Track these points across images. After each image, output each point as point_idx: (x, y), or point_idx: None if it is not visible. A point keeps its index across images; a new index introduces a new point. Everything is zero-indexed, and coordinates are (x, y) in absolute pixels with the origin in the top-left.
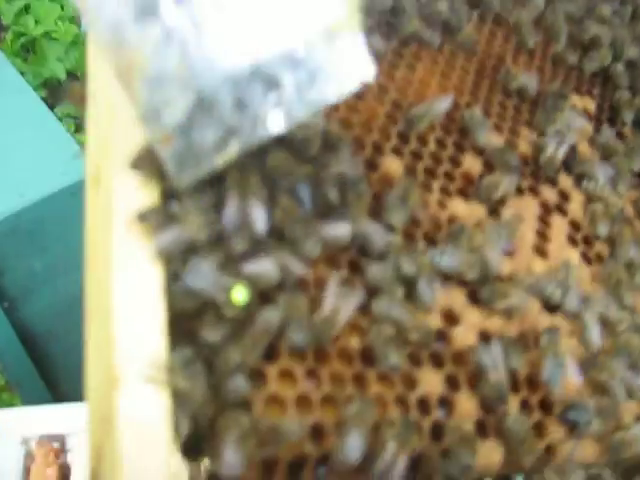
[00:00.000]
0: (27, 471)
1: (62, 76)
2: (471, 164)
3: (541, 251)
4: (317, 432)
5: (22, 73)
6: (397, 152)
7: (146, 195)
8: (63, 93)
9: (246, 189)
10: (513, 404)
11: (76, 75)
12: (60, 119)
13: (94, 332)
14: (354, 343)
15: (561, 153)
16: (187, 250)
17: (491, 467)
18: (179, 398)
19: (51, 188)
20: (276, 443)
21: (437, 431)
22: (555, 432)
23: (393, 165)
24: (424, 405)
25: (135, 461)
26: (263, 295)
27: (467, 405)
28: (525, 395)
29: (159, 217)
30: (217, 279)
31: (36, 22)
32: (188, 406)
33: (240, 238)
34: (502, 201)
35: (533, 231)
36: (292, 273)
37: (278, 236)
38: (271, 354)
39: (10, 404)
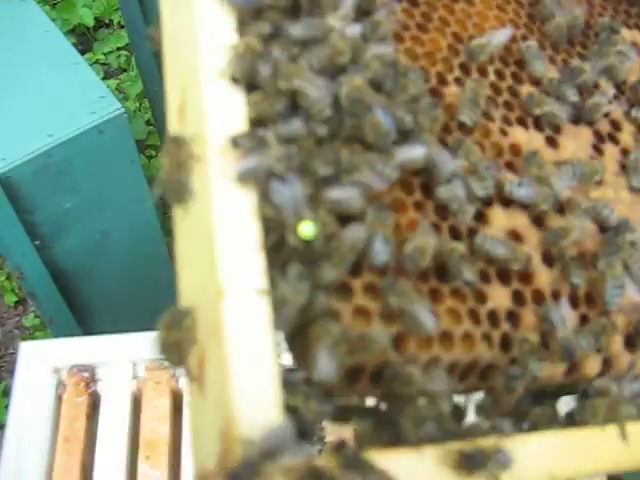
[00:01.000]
0: (59, 399)
1: (90, 23)
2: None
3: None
4: (399, 342)
5: (51, 20)
6: (459, 82)
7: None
8: (91, 39)
9: None
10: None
11: (104, 21)
12: (89, 66)
13: (192, 254)
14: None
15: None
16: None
17: (555, 377)
18: (281, 308)
19: (79, 127)
20: (365, 350)
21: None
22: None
23: (456, 95)
24: (493, 318)
25: (242, 368)
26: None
27: (532, 319)
28: (584, 310)
29: (249, 142)
30: (297, 203)
31: None
32: (288, 314)
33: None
34: (558, 129)
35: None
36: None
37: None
38: (356, 270)
39: None
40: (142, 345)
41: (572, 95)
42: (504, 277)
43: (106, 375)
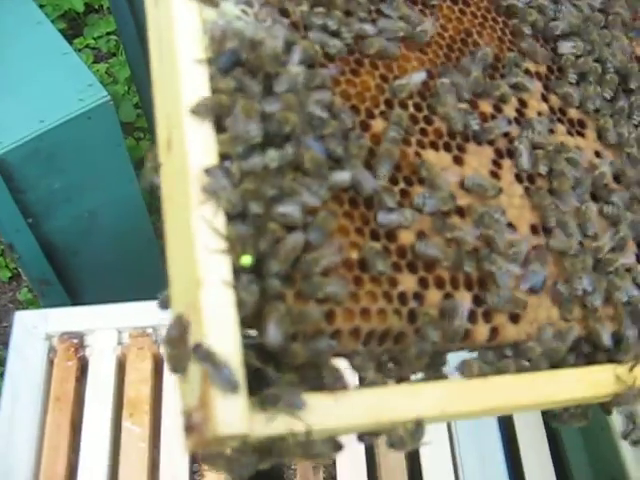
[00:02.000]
0: (51, 363)
1: (80, 8)
2: (439, 124)
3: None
4: (329, 316)
5: (42, 6)
6: (384, 115)
7: None
8: (82, 24)
9: None
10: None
11: (94, 7)
12: (79, 50)
13: (176, 248)
14: (354, 255)
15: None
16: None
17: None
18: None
19: (68, 114)
20: (303, 322)
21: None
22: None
23: (381, 126)
24: (403, 298)
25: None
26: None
27: (433, 298)
28: (477, 292)
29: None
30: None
31: None
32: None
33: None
34: (463, 149)
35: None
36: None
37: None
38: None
39: None
40: (126, 314)
41: (475, 125)
42: (412, 267)
43: (93, 341)
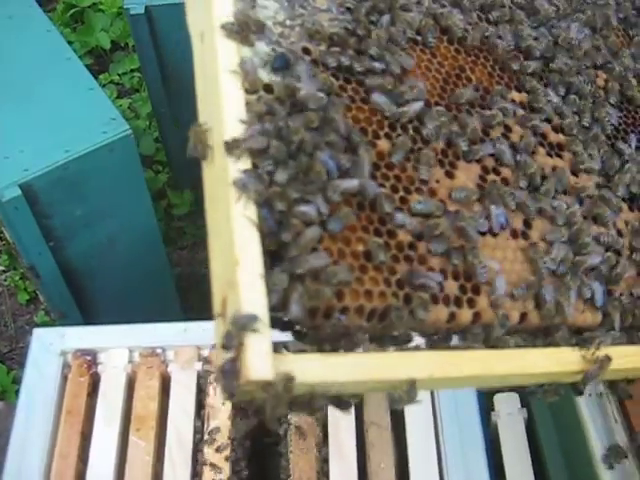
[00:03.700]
0: (64, 378)
1: (107, 45)
2: (435, 144)
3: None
4: (339, 295)
5: (70, 42)
6: (388, 136)
7: None
8: (108, 61)
9: None
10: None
11: (120, 45)
12: (104, 85)
13: (217, 240)
14: (360, 248)
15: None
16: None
17: (440, 322)
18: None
19: (92, 145)
20: (318, 299)
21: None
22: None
23: (385, 145)
24: (400, 284)
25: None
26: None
27: None
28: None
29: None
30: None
31: None
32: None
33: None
34: (454, 165)
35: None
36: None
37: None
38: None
39: None
40: (138, 335)
41: (464, 146)
42: (408, 259)
43: (106, 359)
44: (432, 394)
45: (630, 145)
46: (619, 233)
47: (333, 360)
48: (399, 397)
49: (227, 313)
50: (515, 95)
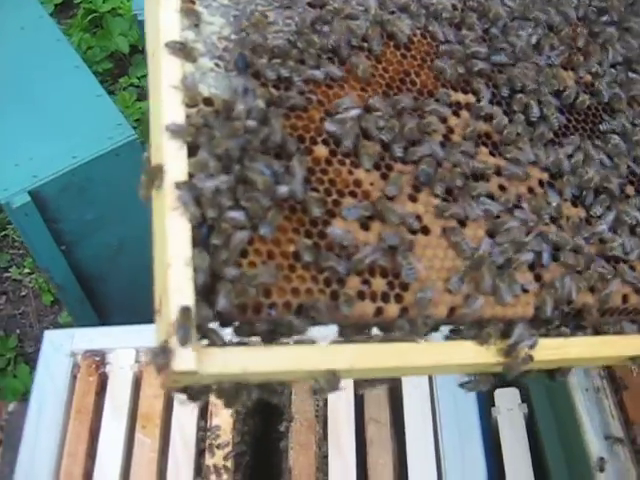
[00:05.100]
0: (74, 378)
1: (126, 49)
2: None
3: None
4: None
5: (90, 47)
6: (325, 142)
7: None
8: (127, 64)
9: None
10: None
11: (139, 49)
12: (124, 88)
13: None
14: (291, 249)
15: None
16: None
17: (366, 316)
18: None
19: (99, 151)
20: (245, 296)
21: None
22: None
23: (322, 151)
24: (328, 281)
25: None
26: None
27: (354, 283)
28: (391, 279)
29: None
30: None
31: (104, 0)
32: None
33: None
34: (390, 167)
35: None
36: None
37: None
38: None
39: None
40: (144, 335)
41: (399, 152)
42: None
43: (113, 359)
44: (432, 390)
45: (576, 143)
46: (559, 227)
47: (254, 352)
48: (320, 387)
49: (162, 311)
50: (460, 97)
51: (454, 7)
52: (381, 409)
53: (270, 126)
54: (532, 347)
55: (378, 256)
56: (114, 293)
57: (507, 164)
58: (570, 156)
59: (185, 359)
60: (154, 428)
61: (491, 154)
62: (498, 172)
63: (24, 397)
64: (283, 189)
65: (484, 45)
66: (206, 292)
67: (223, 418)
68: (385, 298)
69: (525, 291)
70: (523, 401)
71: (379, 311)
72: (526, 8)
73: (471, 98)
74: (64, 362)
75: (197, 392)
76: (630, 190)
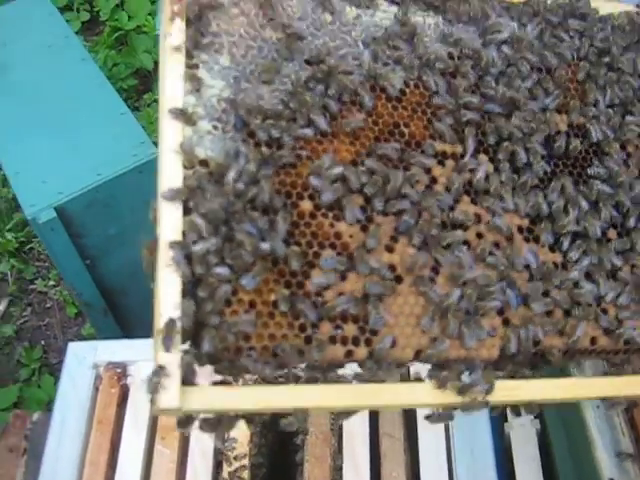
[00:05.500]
0: (96, 389)
1: (150, 66)
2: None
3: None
4: (245, 338)
5: (116, 64)
6: (311, 197)
7: None
8: (152, 80)
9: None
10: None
11: None
12: (148, 105)
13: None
14: (272, 297)
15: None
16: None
17: (337, 358)
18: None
19: (123, 168)
20: (226, 342)
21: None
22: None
23: (307, 205)
24: (303, 328)
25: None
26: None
27: (326, 328)
28: (361, 324)
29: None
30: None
31: (129, 17)
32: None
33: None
34: (370, 220)
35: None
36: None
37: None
38: (228, 302)
39: None
40: None
41: (379, 206)
42: (315, 306)
43: (135, 371)
44: None
45: (558, 189)
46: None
47: (231, 392)
48: (289, 422)
49: (156, 350)
50: (447, 147)
51: (450, 55)
52: (395, 424)
53: (259, 187)
54: (488, 392)
55: (350, 305)
56: (136, 306)
57: (486, 213)
58: (551, 202)
59: (170, 398)
60: (173, 439)
61: (472, 202)
62: (478, 220)
63: (48, 407)
64: (265, 246)
65: (476, 95)
66: (193, 336)
67: (240, 430)
68: (355, 342)
69: (491, 335)
70: (535, 417)
71: (349, 354)
72: (522, 53)
73: (458, 148)
74: (87, 374)
75: (183, 422)
76: (612, 234)
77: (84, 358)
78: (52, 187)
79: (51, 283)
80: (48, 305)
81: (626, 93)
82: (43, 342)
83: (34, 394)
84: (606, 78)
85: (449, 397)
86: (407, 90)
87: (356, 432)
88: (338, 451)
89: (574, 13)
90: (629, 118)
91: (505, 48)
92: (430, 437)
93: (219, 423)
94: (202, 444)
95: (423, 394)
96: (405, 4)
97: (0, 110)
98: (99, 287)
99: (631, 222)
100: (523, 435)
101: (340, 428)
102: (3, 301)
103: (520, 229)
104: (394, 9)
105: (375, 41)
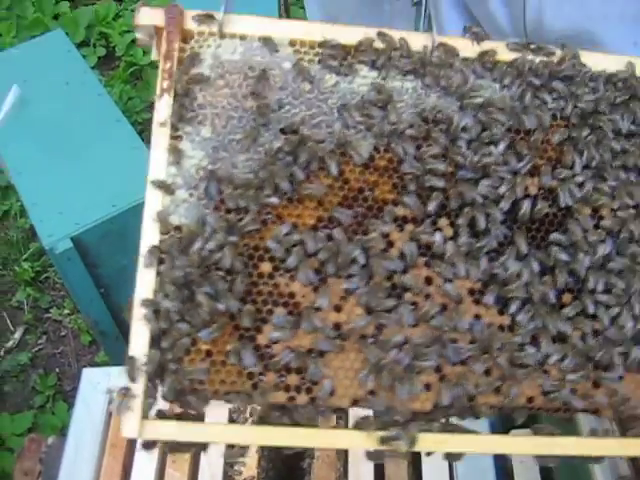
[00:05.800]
0: (109, 414)
1: None
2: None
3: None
4: (200, 382)
5: (131, 98)
6: (272, 259)
7: None
8: None
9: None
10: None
11: None
12: None
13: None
14: (228, 348)
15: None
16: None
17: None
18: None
19: (137, 200)
20: (182, 385)
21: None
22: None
23: (266, 267)
24: (251, 375)
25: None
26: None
27: (271, 378)
28: None
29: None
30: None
31: (144, 53)
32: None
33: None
34: (323, 281)
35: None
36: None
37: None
38: (188, 352)
39: None
40: None
41: (332, 270)
42: (262, 357)
43: None
44: None
45: (513, 255)
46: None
47: (181, 426)
48: (230, 454)
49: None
50: (408, 211)
51: (425, 119)
52: None
53: (223, 252)
54: (411, 444)
55: (292, 359)
56: None
57: (438, 277)
58: (506, 267)
59: (130, 429)
60: (184, 463)
61: (426, 265)
62: (429, 283)
63: (61, 433)
64: (221, 306)
65: (445, 161)
66: (156, 378)
67: (249, 454)
68: (297, 389)
69: (426, 389)
70: None
71: (291, 399)
72: (496, 116)
73: (419, 212)
74: (100, 399)
75: (147, 444)
76: (567, 298)
77: (98, 383)
78: (69, 218)
79: (66, 312)
80: (63, 333)
81: (605, 156)
82: (57, 369)
83: (48, 420)
84: (586, 140)
85: (373, 443)
86: (376, 155)
87: (361, 456)
88: (344, 475)
89: (558, 76)
90: (601, 184)
91: (481, 113)
92: (433, 459)
93: (179, 446)
94: (212, 468)
95: (351, 439)
96: (386, 68)
97: (20, 143)
98: (113, 315)
99: (588, 286)
100: (526, 469)
101: (346, 453)
102: (19, 329)
103: (472, 291)
104: (374, 74)
105: (349, 108)
